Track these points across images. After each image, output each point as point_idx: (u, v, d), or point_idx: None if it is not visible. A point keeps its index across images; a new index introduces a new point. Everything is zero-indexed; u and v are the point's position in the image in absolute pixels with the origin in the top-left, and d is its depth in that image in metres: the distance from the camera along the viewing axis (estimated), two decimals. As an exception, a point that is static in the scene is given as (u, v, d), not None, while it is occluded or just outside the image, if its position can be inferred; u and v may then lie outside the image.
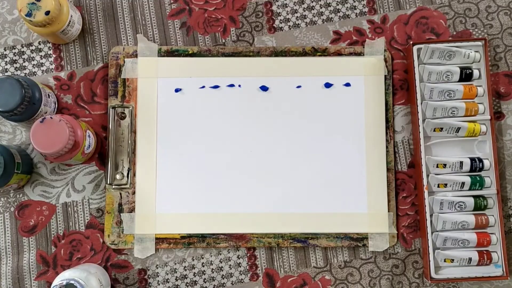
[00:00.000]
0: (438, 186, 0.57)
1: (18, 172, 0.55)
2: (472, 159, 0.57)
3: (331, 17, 0.61)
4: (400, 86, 0.60)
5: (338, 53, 0.60)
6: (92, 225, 0.59)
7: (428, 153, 0.58)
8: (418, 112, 0.57)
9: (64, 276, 0.51)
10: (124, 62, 0.59)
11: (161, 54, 0.60)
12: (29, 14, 0.53)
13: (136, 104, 0.59)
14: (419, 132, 0.57)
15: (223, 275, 0.58)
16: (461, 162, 0.57)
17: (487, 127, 0.58)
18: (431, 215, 0.57)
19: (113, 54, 0.60)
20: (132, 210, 0.58)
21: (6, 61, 0.61)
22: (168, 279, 0.58)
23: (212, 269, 0.58)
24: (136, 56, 0.60)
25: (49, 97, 0.57)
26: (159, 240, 0.58)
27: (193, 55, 0.60)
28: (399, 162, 0.60)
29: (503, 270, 0.56)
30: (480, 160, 0.57)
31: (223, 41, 0.61)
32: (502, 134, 0.60)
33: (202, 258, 0.58)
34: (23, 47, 0.61)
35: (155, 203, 0.58)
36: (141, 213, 0.58)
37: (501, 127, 0.60)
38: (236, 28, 0.61)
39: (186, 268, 0.58)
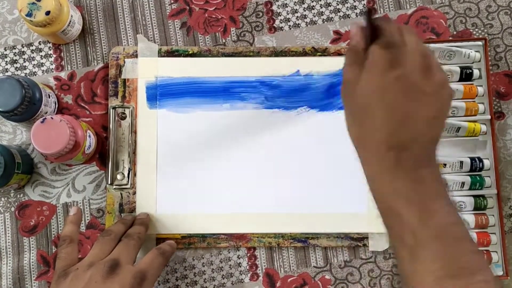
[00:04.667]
0: (438, 186, 0.57)
1: (19, 172, 0.55)
2: (472, 159, 0.57)
3: (331, 17, 0.61)
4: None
5: (339, 53, 0.60)
6: (93, 225, 0.59)
7: (428, 153, 0.58)
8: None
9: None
10: (124, 62, 0.59)
11: (161, 54, 0.60)
12: (29, 14, 0.53)
13: (137, 105, 0.59)
14: (419, 132, 0.57)
15: (223, 275, 0.58)
16: (461, 162, 0.57)
17: (487, 127, 0.58)
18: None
19: (113, 54, 0.60)
20: (133, 210, 0.58)
21: (6, 61, 0.61)
22: (168, 279, 0.58)
23: (213, 269, 0.58)
24: (136, 56, 0.60)
25: (49, 97, 0.57)
26: (160, 240, 0.58)
27: (193, 55, 0.60)
28: (399, 162, 0.60)
29: (503, 270, 0.56)
30: (480, 160, 0.57)
31: (223, 41, 0.61)
32: (503, 134, 0.60)
33: (203, 258, 0.59)
34: (23, 47, 0.61)
35: (156, 203, 0.58)
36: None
37: (502, 127, 0.60)
38: (236, 28, 0.61)
39: (186, 268, 0.58)
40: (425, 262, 0.37)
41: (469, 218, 0.56)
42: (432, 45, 0.57)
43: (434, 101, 0.39)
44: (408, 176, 0.39)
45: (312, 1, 0.62)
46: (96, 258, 0.49)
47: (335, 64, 0.59)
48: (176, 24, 0.61)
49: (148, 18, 0.61)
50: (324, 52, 0.60)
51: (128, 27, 0.61)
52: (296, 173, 0.59)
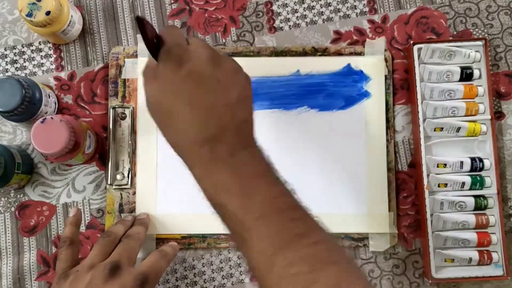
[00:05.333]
0: (439, 186, 0.57)
1: (19, 172, 0.55)
2: (473, 159, 0.57)
3: (332, 17, 0.61)
4: (401, 86, 0.60)
5: (339, 53, 0.60)
6: (93, 226, 0.59)
7: (428, 153, 0.58)
8: (418, 112, 0.57)
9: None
10: (124, 62, 0.59)
11: (161, 54, 0.60)
12: (29, 14, 0.53)
13: (136, 105, 0.59)
14: (420, 132, 0.57)
15: (223, 275, 0.58)
16: (462, 162, 0.57)
17: (487, 127, 0.58)
18: (431, 215, 0.57)
19: (113, 54, 0.60)
20: (132, 210, 0.58)
21: (6, 61, 0.61)
22: (168, 279, 0.58)
23: (213, 269, 0.58)
24: (136, 56, 0.60)
25: (49, 97, 0.57)
26: (160, 240, 0.58)
27: (193, 55, 0.60)
28: (399, 162, 0.60)
29: (503, 270, 0.56)
30: (481, 160, 0.57)
31: (224, 41, 0.61)
32: (503, 134, 0.60)
33: (203, 258, 0.58)
34: (23, 47, 0.61)
35: (156, 204, 0.58)
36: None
37: (501, 127, 0.60)
38: (236, 28, 0.61)
39: (186, 269, 0.58)
40: (255, 245, 0.38)
41: (470, 218, 0.56)
42: (432, 45, 0.57)
43: (231, 87, 0.41)
44: (227, 165, 0.39)
45: (312, 1, 0.62)
46: (96, 260, 0.48)
47: (335, 64, 0.60)
48: (176, 24, 0.61)
49: (148, 18, 0.61)
50: (324, 52, 0.60)
51: (128, 27, 0.61)
52: (296, 174, 0.58)
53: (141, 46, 0.60)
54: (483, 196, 0.57)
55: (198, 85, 0.40)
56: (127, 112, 0.59)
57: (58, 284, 0.47)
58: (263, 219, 0.38)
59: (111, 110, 0.59)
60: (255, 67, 0.59)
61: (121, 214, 0.58)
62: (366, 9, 0.61)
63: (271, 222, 0.38)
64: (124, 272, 0.47)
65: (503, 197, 0.58)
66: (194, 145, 0.40)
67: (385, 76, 0.60)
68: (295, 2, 0.62)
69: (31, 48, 0.61)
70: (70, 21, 0.57)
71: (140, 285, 0.46)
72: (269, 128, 0.59)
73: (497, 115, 0.60)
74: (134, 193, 0.58)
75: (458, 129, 0.57)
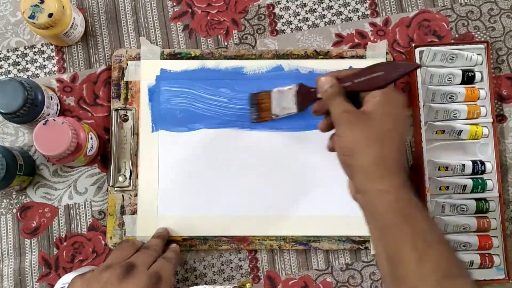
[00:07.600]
0: (440, 189, 0.57)
1: (20, 173, 0.55)
2: (474, 162, 0.57)
3: (333, 20, 0.61)
4: (402, 89, 0.60)
5: (340, 56, 0.60)
6: (94, 227, 0.59)
7: (430, 155, 0.58)
8: (420, 115, 0.57)
9: (66, 279, 0.51)
10: (127, 64, 0.60)
11: (163, 57, 0.60)
12: (32, 16, 0.54)
13: (139, 107, 0.59)
14: (421, 135, 0.57)
15: (224, 277, 0.58)
16: (463, 165, 0.57)
17: (489, 130, 0.58)
18: (432, 218, 0.57)
19: (116, 56, 0.60)
20: (134, 212, 0.58)
21: (9, 63, 0.61)
22: (170, 281, 0.58)
23: (214, 271, 0.58)
24: (139, 58, 0.60)
25: (51, 99, 0.57)
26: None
27: (195, 58, 0.60)
28: (401, 165, 0.60)
29: (505, 274, 0.56)
30: (482, 163, 0.57)
31: (226, 44, 0.61)
32: (504, 137, 0.60)
33: (204, 260, 0.58)
34: (26, 49, 0.61)
35: (157, 205, 0.58)
36: (143, 215, 0.58)
37: (503, 130, 0.60)
38: (238, 31, 0.61)
39: (187, 271, 0.58)
40: (431, 263, 0.41)
41: (471, 221, 0.56)
42: (434, 48, 0.57)
43: None
44: (411, 190, 0.44)
45: (314, 4, 0.62)
46: (113, 262, 0.50)
47: (337, 67, 0.59)
48: (179, 27, 0.61)
49: (151, 21, 0.61)
50: (326, 55, 0.60)
51: (131, 30, 0.61)
52: (298, 176, 0.59)
53: (144, 49, 0.60)
54: (485, 199, 0.57)
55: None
56: (130, 114, 0.59)
57: (73, 283, 0.48)
58: (443, 244, 0.43)
59: (113, 112, 0.59)
60: (256, 69, 0.59)
61: (123, 216, 0.58)
62: (368, 12, 0.61)
63: (447, 249, 0.43)
64: (139, 272, 0.48)
65: (504, 200, 0.58)
66: (397, 164, 0.45)
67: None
68: (297, 5, 0.62)
69: (34, 50, 0.61)
70: (73, 23, 0.57)
71: (155, 282, 0.48)
72: (270, 131, 0.59)
73: (499, 118, 0.60)
74: (136, 195, 0.58)
75: (460, 132, 0.57)
